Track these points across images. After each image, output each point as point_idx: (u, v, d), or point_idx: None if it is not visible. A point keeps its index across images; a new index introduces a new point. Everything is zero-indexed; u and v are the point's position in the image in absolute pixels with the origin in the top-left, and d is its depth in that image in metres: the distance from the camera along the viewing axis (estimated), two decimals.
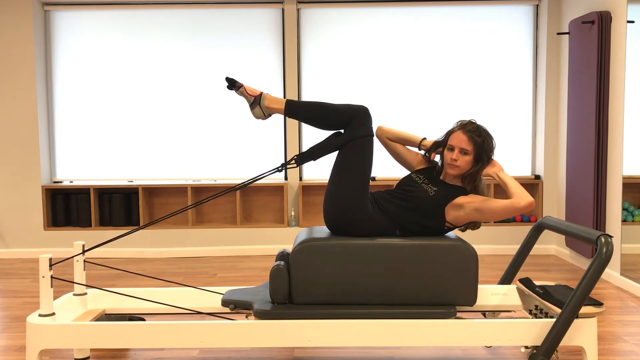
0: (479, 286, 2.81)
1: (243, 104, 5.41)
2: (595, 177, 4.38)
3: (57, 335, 2.40)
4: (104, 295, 2.89)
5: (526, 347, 2.44)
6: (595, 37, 4.32)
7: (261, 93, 2.67)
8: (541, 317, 2.60)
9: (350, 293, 2.52)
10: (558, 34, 4.95)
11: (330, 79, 5.43)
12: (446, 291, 2.51)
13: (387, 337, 2.42)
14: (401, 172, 5.27)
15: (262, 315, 2.46)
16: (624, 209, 4.12)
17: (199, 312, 2.78)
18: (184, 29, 5.42)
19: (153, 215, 5.53)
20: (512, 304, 2.86)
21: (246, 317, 2.67)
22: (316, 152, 2.66)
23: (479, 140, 2.59)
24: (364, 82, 5.42)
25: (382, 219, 2.59)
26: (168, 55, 5.43)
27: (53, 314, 2.48)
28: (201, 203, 2.78)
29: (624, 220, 4.12)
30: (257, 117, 2.69)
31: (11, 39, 5.24)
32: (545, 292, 2.62)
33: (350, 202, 2.55)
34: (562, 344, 2.38)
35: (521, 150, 5.47)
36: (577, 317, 2.38)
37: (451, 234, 2.70)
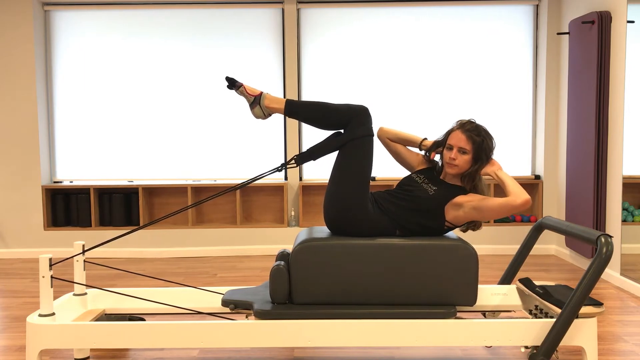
0: (479, 286, 2.81)
1: (243, 103, 5.41)
2: (595, 177, 4.38)
3: (57, 335, 2.40)
4: (104, 295, 2.89)
5: (526, 347, 2.44)
6: (595, 37, 4.32)
7: (261, 93, 2.67)
8: (541, 317, 2.60)
9: (350, 293, 2.52)
10: (558, 34, 4.95)
11: (330, 79, 5.43)
12: (446, 291, 2.51)
13: (387, 337, 2.42)
14: (401, 172, 5.27)
15: (262, 315, 2.46)
16: (624, 209, 4.12)
17: (199, 312, 2.78)
18: (184, 29, 5.42)
19: (153, 215, 5.53)
20: (512, 304, 2.86)
21: (246, 317, 2.67)
22: (316, 152, 2.66)
23: (478, 140, 2.59)
24: (364, 82, 5.42)
25: (382, 219, 2.59)
26: (168, 55, 5.43)
27: (53, 314, 2.48)
28: (201, 203, 2.78)
29: (624, 220, 4.12)
30: (257, 116, 2.69)
31: (11, 39, 5.24)
32: (545, 292, 2.62)
33: (350, 202, 2.55)
34: (562, 344, 2.38)
35: (521, 150, 5.47)
36: (577, 317, 2.38)
37: (451, 233, 2.70)
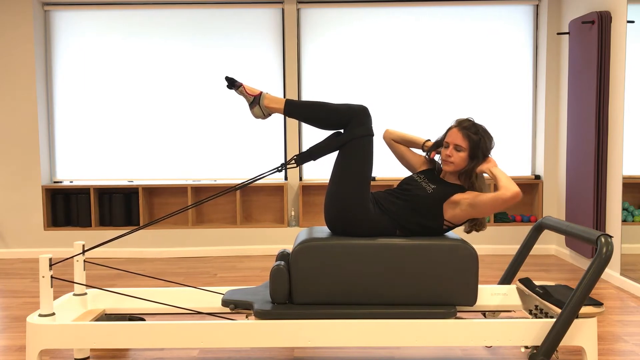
0: (479, 286, 2.81)
1: (243, 103, 5.41)
2: (595, 177, 4.38)
3: (57, 335, 2.40)
4: (104, 295, 2.89)
5: (526, 347, 2.44)
6: (595, 37, 4.32)
7: (261, 92, 2.67)
8: (541, 317, 2.60)
9: (350, 293, 2.52)
10: (558, 34, 4.95)
11: (330, 79, 5.43)
12: (446, 291, 2.51)
13: (387, 337, 2.42)
14: (401, 172, 5.28)
15: (262, 315, 2.46)
16: (624, 209, 4.12)
17: (199, 312, 2.78)
18: (184, 29, 5.42)
19: (153, 215, 5.53)
20: (512, 304, 2.86)
21: (246, 317, 2.67)
22: (316, 152, 2.66)
23: (475, 138, 2.60)
24: (364, 82, 5.42)
25: (383, 219, 2.59)
26: (168, 55, 5.43)
27: (53, 314, 2.48)
28: (201, 203, 2.78)
29: (624, 220, 4.12)
30: (256, 116, 2.69)
31: (11, 39, 5.24)
32: (545, 292, 2.62)
33: (350, 202, 2.56)
34: (562, 344, 2.38)
35: (521, 150, 5.47)
36: (577, 317, 2.38)
37: (451, 233, 2.70)
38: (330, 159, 2.70)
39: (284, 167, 2.72)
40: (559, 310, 2.42)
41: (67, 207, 5.45)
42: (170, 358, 2.81)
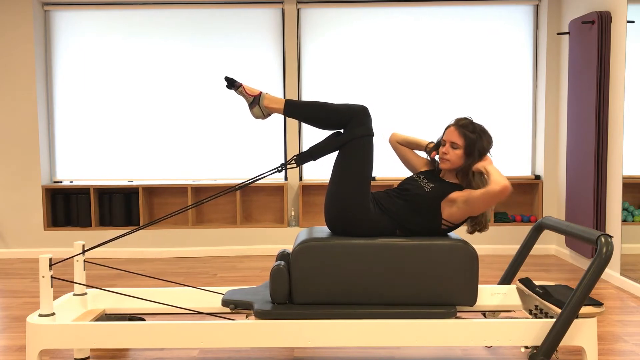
0: (479, 286, 2.81)
1: (243, 103, 5.41)
2: (595, 177, 4.38)
3: (57, 335, 2.40)
4: (104, 295, 2.89)
5: (526, 347, 2.44)
6: (595, 37, 4.32)
7: (260, 93, 2.67)
8: (541, 317, 2.60)
9: (350, 293, 2.52)
10: (558, 34, 4.95)
11: (330, 79, 5.43)
12: (446, 291, 2.51)
13: (387, 337, 2.42)
14: (401, 172, 5.28)
15: (262, 315, 2.46)
16: (624, 209, 4.12)
17: (199, 312, 2.78)
18: (184, 29, 5.42)
19: (153, 215, 5.53)
20: (512, 304, 2.86)
21: (246, 317, 2.67)
22: (316, 152, 2.66)
23: (472, 136, 2.60)
24: (364, 82, 5.42)
25: (383, 218, 2.59)
26: (168, 55, 5.43)
27: (53, 314, 2.48)
28: (201, 203, 2.78)
29: (624, 220, 4.12)
30: (256, 117, 2.69)
31: (11, 39, 5.24)
32: (545, 292, 2.62)
33: (350, 202, 2.56)
34: (562, 344, 2.38)
35: (521, 150, 5.47)
36: (577, 317, 2.38)
37: (452, 233, 2.70)
38: (330, 159, 2.70)
39: (283, 167, 2.72)
40: (559, 310, 2.42)
41: (67, 207, 5.45)
42: (170, 358, 2.81)
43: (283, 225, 5.39)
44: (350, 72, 5.42)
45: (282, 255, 2.62)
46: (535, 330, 2.41)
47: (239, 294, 2.72)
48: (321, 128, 2.65)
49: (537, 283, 2.79)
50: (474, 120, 2.68)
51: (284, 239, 5.35)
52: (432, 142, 2.85)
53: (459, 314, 2.59)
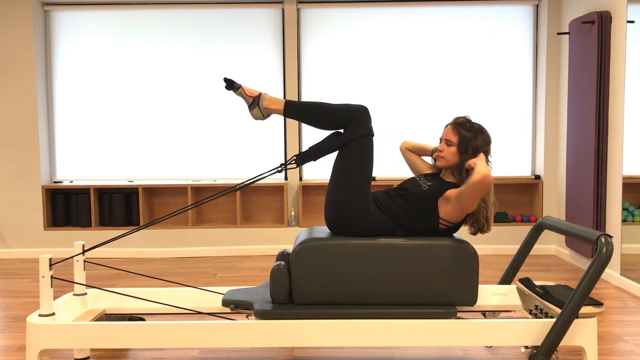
0: (479, 286, 2.81)
1: (242, 103, 5.41)
2: (595, 177, 4.38)
3: (57, 335, 2.40)
4: (104, 295, 2.89)
5: (526, 347, 2.44)
6: (595, 37, 4.32)
7: (260, 94, 2.67)
8: (541, 317, 2.60)
9: (350, 293, 2.52)
10: (558, 34, 4.95)
11: (330, 79, 5.43)
12: (446, 291, 2.51)
13: (387, 337, 2.42)
14: (401, 172, 5.28)
15: (262, 315, 2.46)
16: (624, 209, 4.12)
17: (199, 312, 2.78)
18: (184, 29, 5.42)
19: (153, 215, 5.53)
20: (512, 304, 2.86)
21: (246, 317, 2.67)
22: (316, 153, 2.66)
23: (466, 134, 2.60)
24: (364, 82, 5.42)
25: (383, 218, 2.59)
26: (168, 55, 5.43)
27: (53, 314, 2.48)
28: (201, 203, 2.78)
29: (624, 220, 4.12)
30: (255, 118, 2.68)
31: (11, 39, 5.24)
32: (545, 292, 2.62)
33: (350, 202, 2.56)
34: (562, 344, 2.38)
35: (521, 150, 5.47)
36: (577, 317, 2.38)
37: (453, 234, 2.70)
38: (330, 159, 2.70)
39: (284, 168, 2.72)
40: (559, 310, 2.42)
41: (67, 207, 5.45)
42: (170, 358, 2.81)
43: (283, 225, 5.39)
44: (350, 72, 5.42)
45: (282, 255, 2.63)
46: (535, 330, 2.41)
47: (239, 294, 2.72)
48: (321, 128, 2.65)
49: (537, 283, 2.79)
50: (472, 120, 2.67)
51: (284, 239, 5.35)
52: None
53: (459, 314, 2.59)
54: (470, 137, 2.60)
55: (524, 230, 5.31)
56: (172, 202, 5.53)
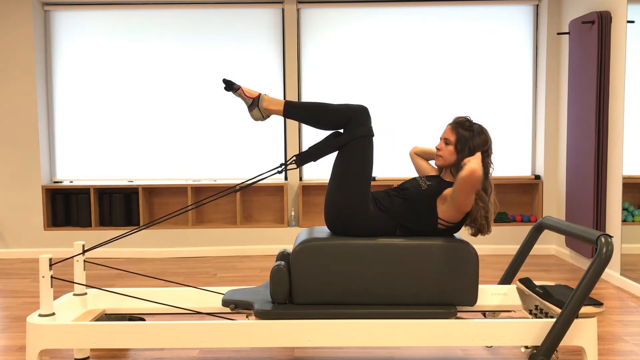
0: (479, 286, 2.81)
1: (242, 104, 5.41)
2: (595, 177, 4.38)
3: (57, 335, 2.40)
4: (104, 295, 2.89)
5: (526, 347, 2.44)
6: (595, 37, 4.31)
7: (259, 94, 2.66)
8: (541, 317, 2.60)
9: (350, 293, 2.52)
10: (558, 34, 4.95)
11: (330, 79, 5.43)
12: (446, 291, 2.51)
13: (387, 337, 2.42)
14: (402, 172, 5.28)
15: (262, 315, 2.46)
16: (624, 209, 4.12)
17: (199, 312, 2.78)
18: (184, 29, 5.41)
19: (153, 215, 5.53)
20: (512, 304, 2.86)
21: (246, 317, 2.67)
22: (316, 153, 2.65)
23: (464, 133, 2.59)
24: (364, 82, 5.42)
25: (382, 218, 2.59)
26: (168, 55, 5.43)
27: (53, 314, 2.48)
28: (201, 204, 2.78)
29: (624, 220, 4.12)
30: (255, 119, 2.67)
31: (11, 39, 5.24)
32: (545, 292, 2.62)
33: (350, 202, 2.55)
34: (562, 344, 2.38)
35: (521, 150, 5.47)
36: (577, 317, 2.38)
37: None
38: (330, 159, 2.70)
39: (284, 168, 2.72)
40: (559, 310, 2.42)
41: (67, 207, 5.45)
42: (170, 358, 2.81)
43: (283, 225, 5.39)
44: (350, 72, 5.42)
45: (282, 255, 2.62)
46: (535, 330, 2.41)
47: (239, 294, 2.72)
48: (321, 129, 2.65)
49: (537, 283, 2.79)
50: (474, 121, 2.66)
51: (284, 239, 5.34)
52: None
53: (459, 314, 2.59)
54: (467, 137, 2.59)
55: (524, 230, 5.31)
56: (172, 202, 5.53)
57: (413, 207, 2.59)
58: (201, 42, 5.42)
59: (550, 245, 5.33)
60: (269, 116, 2.69)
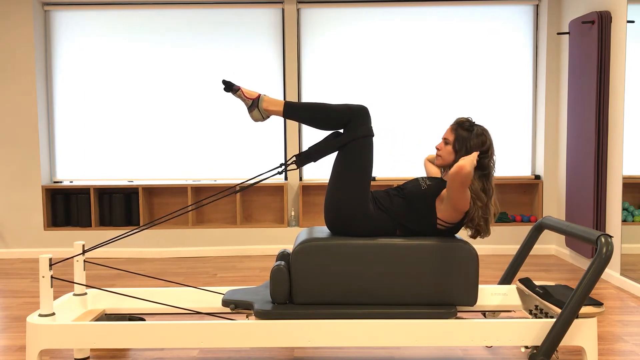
0: (479, 286, 2.81)
1: (242, 104, 5.40)
2: (595, 177, 4.38)
3: (57, 335, 2.40)
4: (104, 295, 2.89)
5: (526, 347, 2.44)
6: (595, 37, 4.32)
7: (259, 95, 2.66)
8: (541, 317, 2.60)
9: (350, 293, 2.52)
10: (558, 34, 4.95)
11: (330, 79, 5.43)
12: (446, 291, 2.51)
13: (387, 337, 2.42)
14: (401, 172, 5.28)
15: (262, 315, 2.46)
16: (624, 209, 4.12)
17: (199, 312, 2.78)
18: (184, 29, 5.41)
19: (153, 215, 5.53)
20: (512, 304, 2.86)
21: (246, 317, 2.67)
22: (316, 153, 2.65)
23: (463, 134, 2.59)
24: (364, 82, 5.42)
25: (383, 218, 2.59)
26: (168, 55, 5.43)
27: (53, 314, 2.48)
28: (201, 204, 2.78)
29: (624, 220, 4.12)
30: (255, 119, 2.67)
31: (11, 39, 5.24)
32: (545, 292, 2.62)
33: (350, 202, 2.55)
34: (562, 344, 2.38)
35: (521, 150, 5.47)
36: (577, 317, 2.38)
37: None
38: (330, 159, 2.69)
39: (284, 169, 2.71)
40: (559, 310, 2.42)
41: (67, 207, 5.45)
42: (170, 358, 2.81)
43: (283, 225, 5.39)
44: (350, 72, 5.42)
45: (282, 255, 2.62)
46: (535, 330, 2.41)
47: (239, 294, 2.72)
48: (321, 129, 2.65)
49: (537, 283, 2.79)
50: (475, 122, 2.65)
51: (284, 239, 5.34)
52: None
53: (459, 314, 2.59)
54: (466, 137, 2.59)
55: (524, 230, 5.31)
56: (172, 202, 5.53)
57: (412, 207, 2.59)
58: (201, 42, 5.42)
59: (550, 245, 5.33)
60: (268, 117, 2.68)
